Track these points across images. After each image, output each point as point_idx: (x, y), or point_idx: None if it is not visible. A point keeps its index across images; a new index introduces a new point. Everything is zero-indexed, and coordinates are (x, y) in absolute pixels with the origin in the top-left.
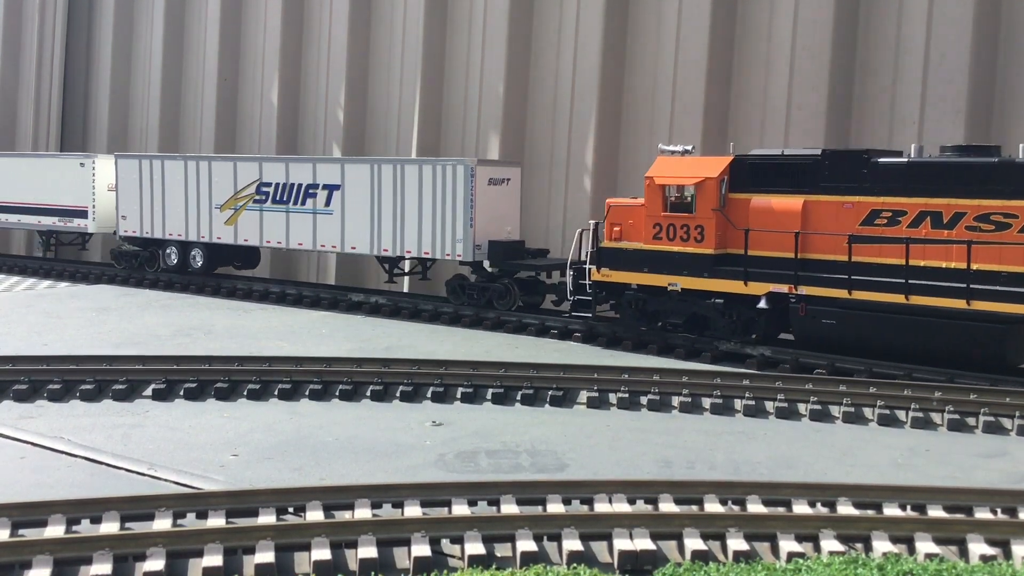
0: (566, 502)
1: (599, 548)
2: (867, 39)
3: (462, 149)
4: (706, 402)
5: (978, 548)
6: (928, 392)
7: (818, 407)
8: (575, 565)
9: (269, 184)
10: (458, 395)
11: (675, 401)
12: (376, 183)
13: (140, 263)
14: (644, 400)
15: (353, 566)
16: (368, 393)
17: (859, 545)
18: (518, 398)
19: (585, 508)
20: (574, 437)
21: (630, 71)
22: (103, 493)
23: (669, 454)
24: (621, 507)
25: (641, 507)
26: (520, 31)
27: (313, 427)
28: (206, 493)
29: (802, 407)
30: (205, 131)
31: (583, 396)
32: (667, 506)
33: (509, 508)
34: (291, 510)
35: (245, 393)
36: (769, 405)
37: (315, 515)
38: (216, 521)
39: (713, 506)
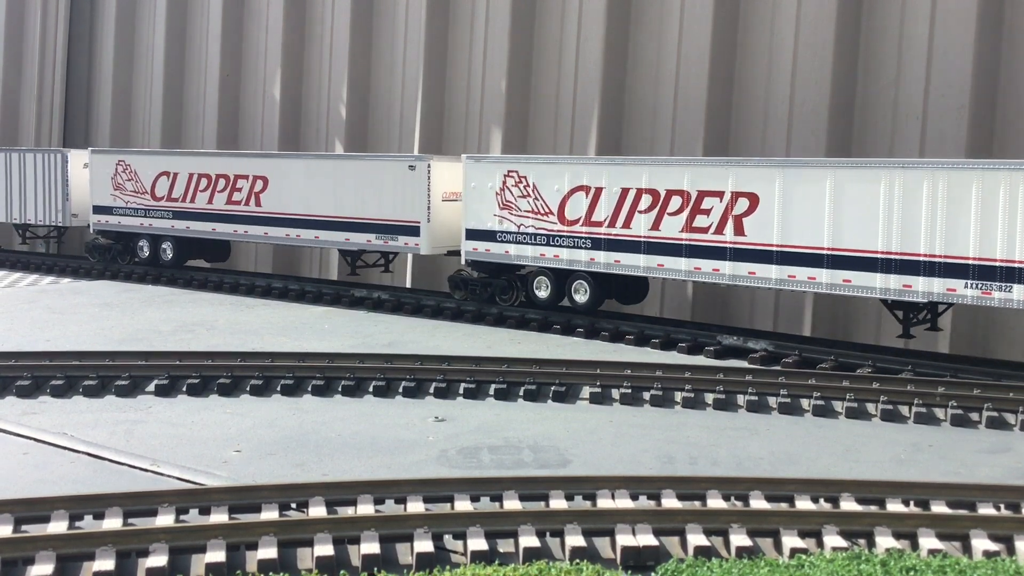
0: (568, 498)
1: (602, 544)
2: (870, 35)
3: (464, 144)
4: (709, 397)
5: (981, 544)
6: (931, 387)
7: (821, 402)
8: (577, 561)
9: None
10: (461, 391)
11: (678, 397)
12: None
13: None
14: (647, 396)
15: (356, 562)
16: (371, 389)
17: (862, 541)
18: (520, 394)
19: (588, 504)
20: (576, 433)
21: (632, 67)
22: (106, 489)
23: (671, 450)
24: (624, 503)
25: (644, 503)
26: (522, 27)
27: (316, 423)
28: (209, 489)
29: (805, 402)
30: (207, 127)
31: (586, 392)
32: (670, 502)
33: (512, 504)
34: (294, 506)
35: (248, 389)
36: (772, 400)
37: (318, 511)
38: (219, 517)
39: (716, 502)
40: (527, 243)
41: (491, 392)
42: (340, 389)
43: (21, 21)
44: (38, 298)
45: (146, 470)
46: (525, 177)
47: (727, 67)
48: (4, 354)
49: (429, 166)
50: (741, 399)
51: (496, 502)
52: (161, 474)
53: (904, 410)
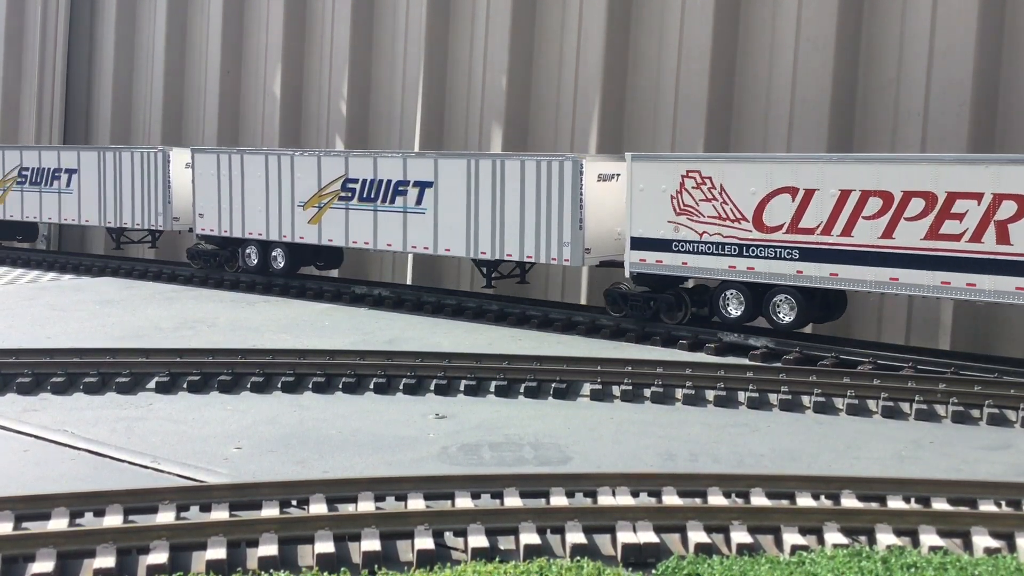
0: (569, 495)
1: (602, 541)
2: (871, 31)
3: (465, 142)
4: (709, 394)
5: (982, 541)
6: (932, 384)
7: (822, 399)
8: (578, 558)
9: None
10: (461, 388)
11: (678, 393)
12: None
13: None
14: (647, 392)
15: (356, 559)
16: (371, 386)
17: (863, 538)
18: (521, 391)
19: (588, 501)
20: (577, 430)
21: (633, 64)
22: (106, 486)
23: (672, 447)
24: (624, 500)
25: (644, 500)
26: (523, 23)
27: (316, 420)
28: (209, 486)
29: (806, 399)
30: (208, 124)
31: (586, 389)
32: (670, 499)
33: (512, 501)
34: (294, 503)
35: (248, 386)
36: (773, 397)
37: (318, 508)
38: (219, 514)
39: (716, 499)
40: None
41: (492, 389)
42: (341, 386)
43: (21, 21)
44: (39, 295)
45: (147, 467)
46: None
47: (728, 65)
48: (5, 351)
49: None
50: (742, 396)
51: (497, 499)
52: (162, 471)
53: (905, 407)
